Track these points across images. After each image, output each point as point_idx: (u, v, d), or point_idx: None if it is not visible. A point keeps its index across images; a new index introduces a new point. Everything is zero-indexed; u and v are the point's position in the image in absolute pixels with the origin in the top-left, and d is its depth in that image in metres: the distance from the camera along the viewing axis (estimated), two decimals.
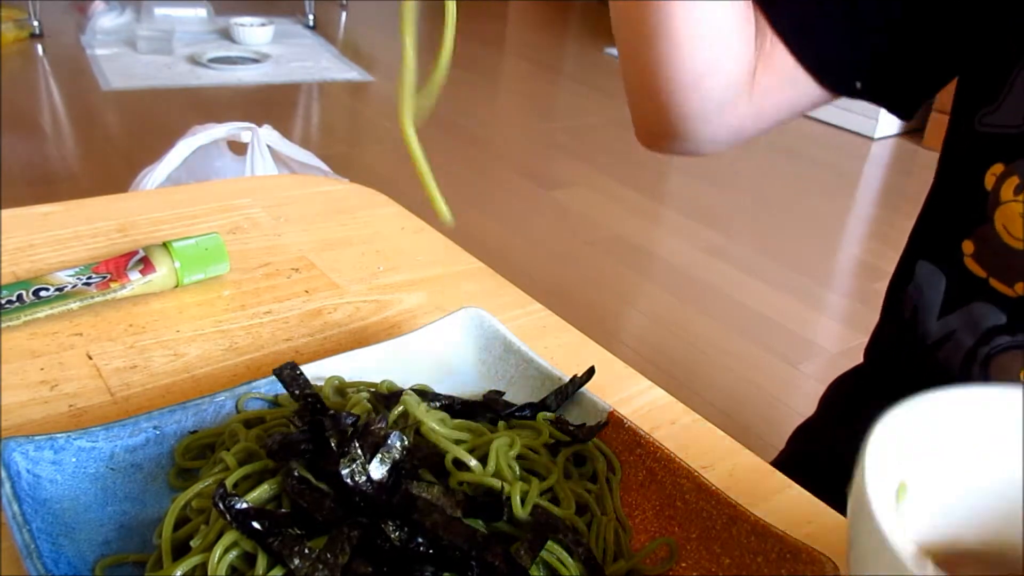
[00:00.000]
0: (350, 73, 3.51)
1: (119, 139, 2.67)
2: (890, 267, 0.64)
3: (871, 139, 3.29)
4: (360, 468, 0.35)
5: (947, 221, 0.57)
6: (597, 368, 0.47)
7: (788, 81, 0.58)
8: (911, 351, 0.60)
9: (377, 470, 0.35)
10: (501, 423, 0.43)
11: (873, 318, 0.67)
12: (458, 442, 0.40)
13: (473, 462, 0.38)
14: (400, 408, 0.40)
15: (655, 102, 0.57)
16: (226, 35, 3.68)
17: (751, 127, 0.60)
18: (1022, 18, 0.52)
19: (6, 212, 0.66)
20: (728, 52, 0.55)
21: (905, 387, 0.61)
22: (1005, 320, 0.53)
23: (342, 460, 0.35)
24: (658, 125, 0.60)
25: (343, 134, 2.96)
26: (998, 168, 0.52)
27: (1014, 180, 0.51)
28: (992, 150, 0.52)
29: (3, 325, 0.52)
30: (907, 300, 0.60)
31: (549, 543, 0.35)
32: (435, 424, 0.40)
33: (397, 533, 0.34)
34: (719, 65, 0.55)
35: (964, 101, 0.56)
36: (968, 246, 0.54)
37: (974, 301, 0.54)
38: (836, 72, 0.58)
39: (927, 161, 3.09)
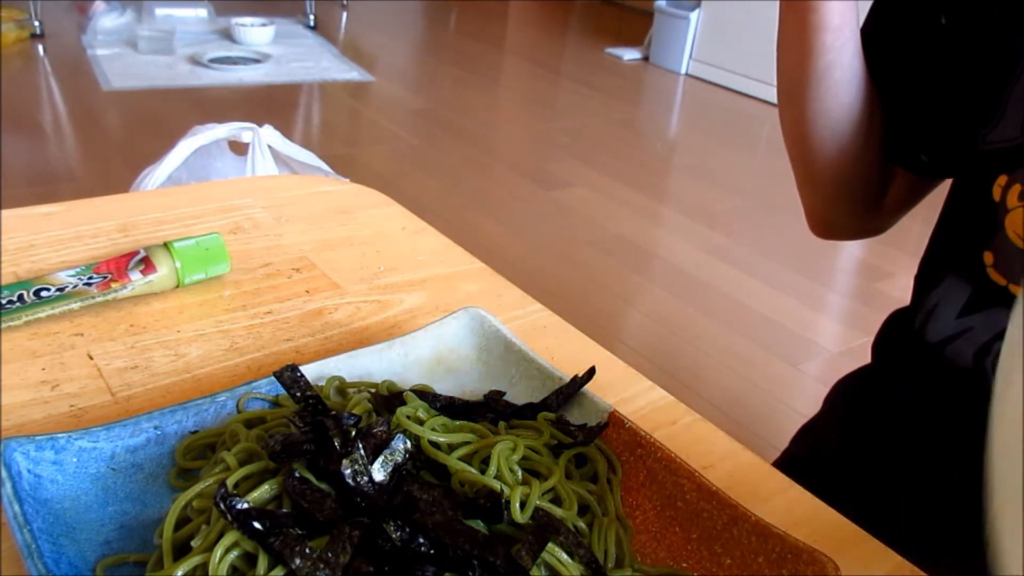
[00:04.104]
0: (351, 73, 3.51)
1: (120, 139, 2.67)
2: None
3: None
4: (362, 468, 0.35)
5: (965, 235, 0.59)
6: (598, 368, 0.47)
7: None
8: (918, 349, 0.62)
9: (379, 471, 0.35)
10: (502, 423, 0.43)
11: (873, 317, 0.67)
12: (461, 444, 0.40)
13: (473, 471, 0.38)
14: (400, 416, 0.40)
15: (819, 189, 0.68)
16: (227, 35, 3.69)
17: (889, 218, 0.72)
18: (1012, 39, 0.54)
19: (6, 212, 0.66)
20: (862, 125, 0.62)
21: (911, 387, 0.62)
22: None
23: (344, 460, 0.35)
24: (822, 214, 0.71)
25: (344, 134, 2.96)
26: (1003, 179, 0.54)
27: (1017, 187, 0.53)
28: (996, 164, 0.55)
29: (4, 325, 0.52)
30: (926, 303, 0.62)
31: (550, 544, 0.35)
32: (434, 435, 0.39)
33: (398, 533, 0.34)
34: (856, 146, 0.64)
35: (967, 126, 0.59)
36: (988, 257, 0.56)
37: (995, 307, 0.57)
38: (900, 152, 0.65)
39: None
